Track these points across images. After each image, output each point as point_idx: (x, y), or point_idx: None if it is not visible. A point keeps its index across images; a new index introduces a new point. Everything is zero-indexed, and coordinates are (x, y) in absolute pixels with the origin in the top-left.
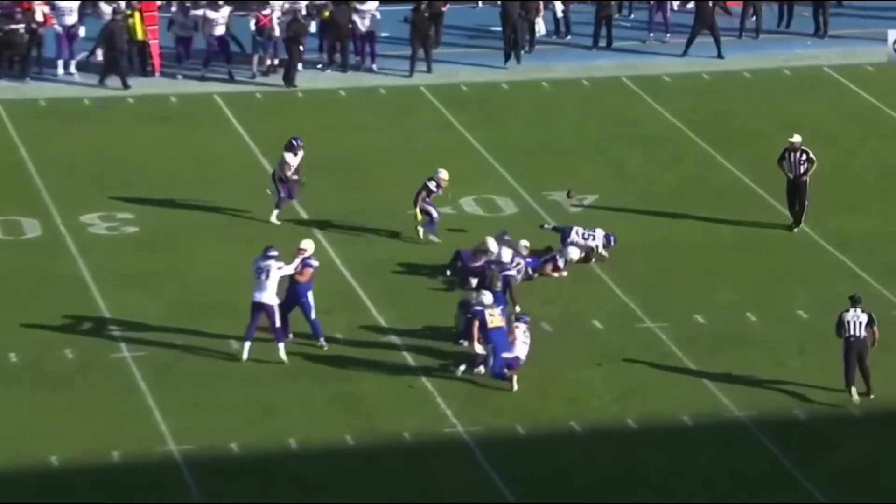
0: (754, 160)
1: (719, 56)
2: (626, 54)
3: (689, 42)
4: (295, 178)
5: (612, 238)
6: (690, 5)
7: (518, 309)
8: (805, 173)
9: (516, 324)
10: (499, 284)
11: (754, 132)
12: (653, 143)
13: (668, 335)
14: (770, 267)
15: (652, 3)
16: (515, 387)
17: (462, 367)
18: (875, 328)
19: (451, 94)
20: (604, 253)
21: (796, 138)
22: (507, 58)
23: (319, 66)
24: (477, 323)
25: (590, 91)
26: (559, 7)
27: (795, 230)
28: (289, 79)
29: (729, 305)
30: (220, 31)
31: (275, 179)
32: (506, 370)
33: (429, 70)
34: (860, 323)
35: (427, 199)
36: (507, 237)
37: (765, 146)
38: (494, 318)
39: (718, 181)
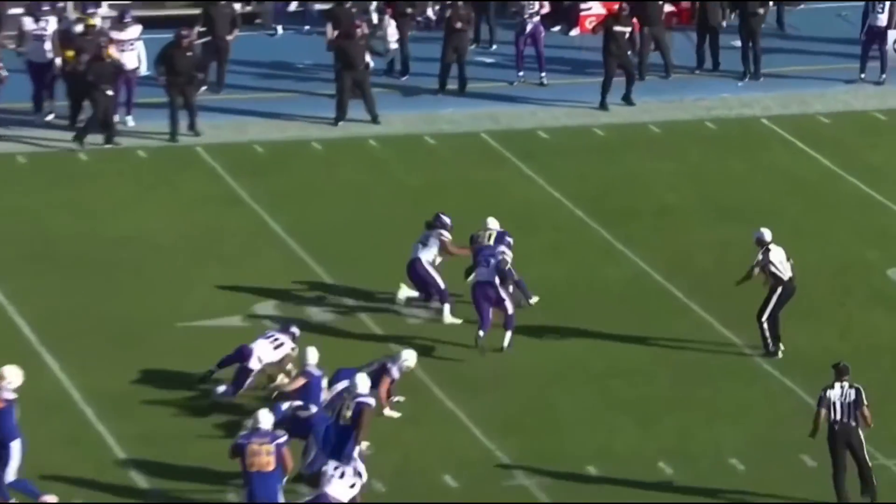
0: (665, 246)
1: (627, 101)
2: (487, 101)
3: (606, 88)
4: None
5: (506, 239)
6: (575, 32)
7: (366, 445)
8: (747, 277)
9: (334, 462)
10: (349, 414)
11: (665, 208)
12: (524, 224)
13: (550, 494)
14: (689, 397)
15: (528, 29)
16: None
17: None
18: (866, 408)
19: (239, 157)
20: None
21: (763, 235)
22: (339, 119)
23: (51, 115)
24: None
25: (436, 151)
26: (392, 35)
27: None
28: (80, 136)
29: (635, 452)
30: None
31: (431, 270)
32: None
33: (192, 128)
34: (849, 404)
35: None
36: (292, 329)
37: (680, 226)
38: (260, 457)
39: (616, 277)
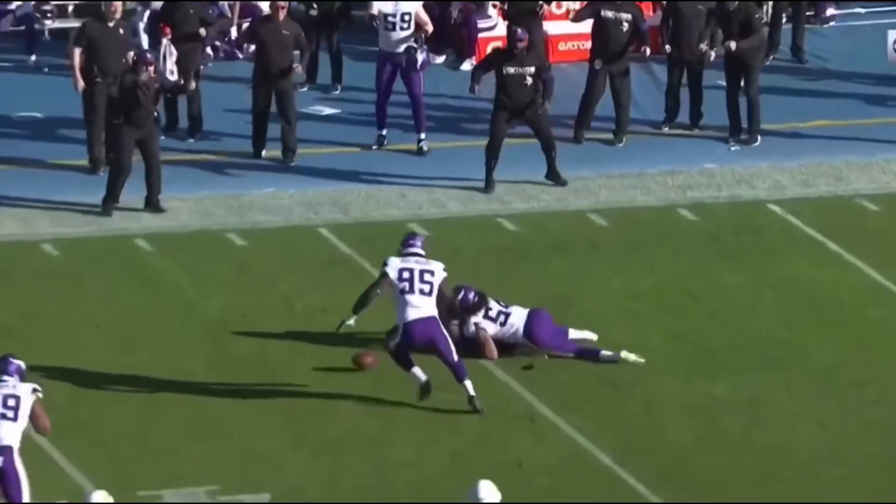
0: (617, 410)
1: (553, 177)
2: (328, 177)
3: (490, 157)
4: None
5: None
6: (468, 65)
7: None
8: None
9: None
10: None
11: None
12: (398, 378)
13: None
14: None
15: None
16: None
17: None
18: None
19: None
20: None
21: None
22: (107, 207)
23: None
24: None
25: (247, 256)
26: (173, 70)
27: None
28: None
29: None
30: None
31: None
32: None
33: None
34: None
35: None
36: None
37: (639, 379)
38: None
39: (541, 459)
